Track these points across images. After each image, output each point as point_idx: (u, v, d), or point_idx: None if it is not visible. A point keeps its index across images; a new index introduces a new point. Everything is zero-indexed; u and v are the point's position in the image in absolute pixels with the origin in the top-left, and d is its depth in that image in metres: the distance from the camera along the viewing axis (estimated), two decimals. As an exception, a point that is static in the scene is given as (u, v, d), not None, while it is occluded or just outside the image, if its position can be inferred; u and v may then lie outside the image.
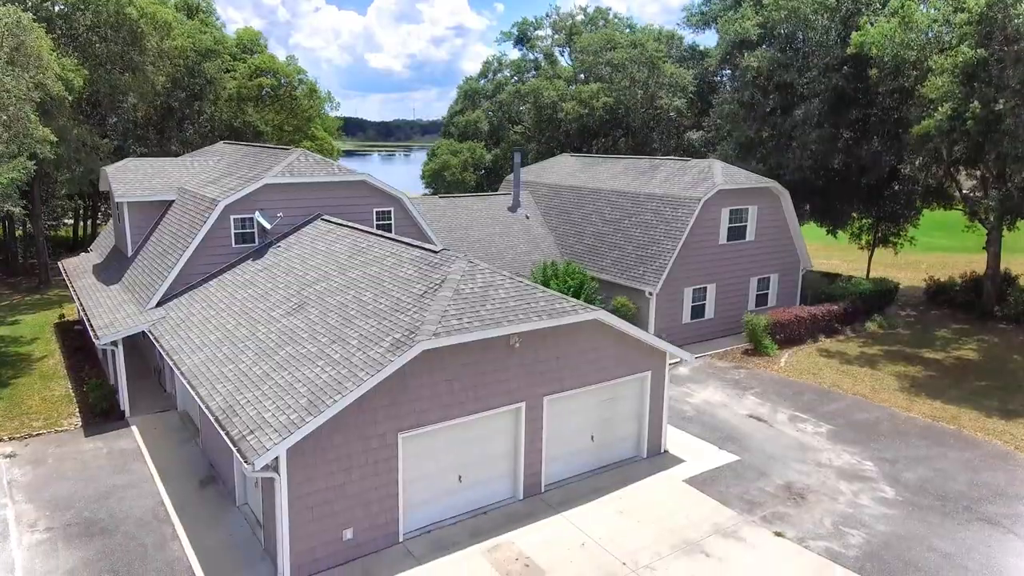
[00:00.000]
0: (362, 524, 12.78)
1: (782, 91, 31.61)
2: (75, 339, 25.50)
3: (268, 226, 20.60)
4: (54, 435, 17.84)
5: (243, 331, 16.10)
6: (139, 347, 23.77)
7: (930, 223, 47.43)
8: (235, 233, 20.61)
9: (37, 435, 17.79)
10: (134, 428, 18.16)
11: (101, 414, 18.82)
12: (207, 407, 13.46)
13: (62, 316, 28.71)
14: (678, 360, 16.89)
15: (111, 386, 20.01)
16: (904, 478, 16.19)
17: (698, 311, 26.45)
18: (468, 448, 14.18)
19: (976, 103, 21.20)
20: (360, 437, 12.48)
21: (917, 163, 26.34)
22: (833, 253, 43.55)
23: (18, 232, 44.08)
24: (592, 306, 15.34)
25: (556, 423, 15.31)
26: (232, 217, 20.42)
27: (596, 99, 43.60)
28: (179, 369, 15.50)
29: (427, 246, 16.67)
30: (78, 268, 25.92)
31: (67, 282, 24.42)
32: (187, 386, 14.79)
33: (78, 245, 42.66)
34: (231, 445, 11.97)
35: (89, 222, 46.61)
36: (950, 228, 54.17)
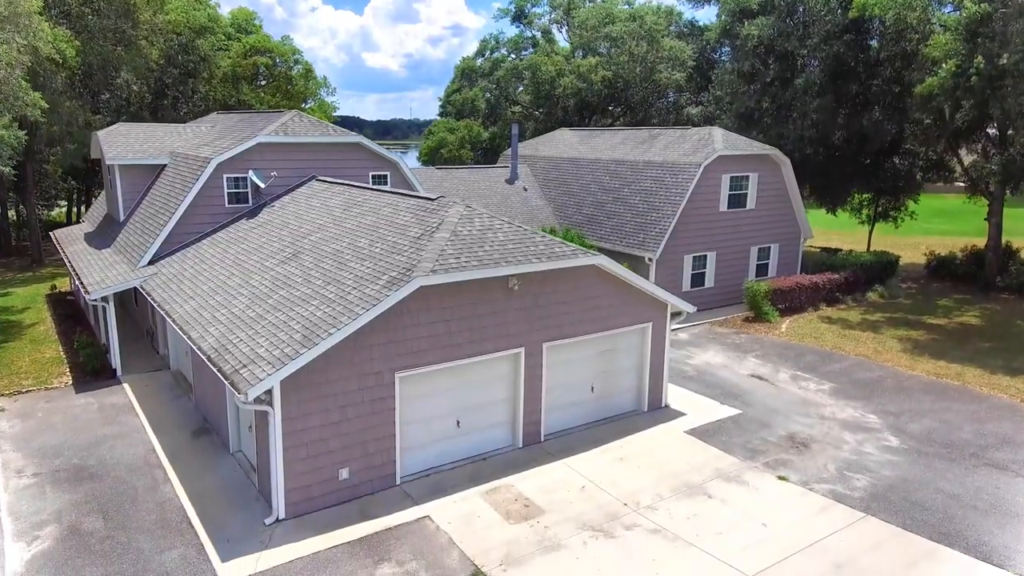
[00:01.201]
0: (358, 464, 12.48)
1: (782, 60, 31.35)
2: (66, 308, 25.16)
3: (262, 185, 20.27)
4: (44, 392, 17.50)
5: (236, 280, 15.78)
6: (131, 314, 23.45)
7: (929, 210, 47.44)
8: (228, 193, 20.27)
9: (26, 392, 17.45)
10: (126, 386, 17.83)
11: (92, 373, 18.48)
12: (199, 348, 13.15)
13: (54, 287, 28.36)
14: (679, 313, 16.61)
15: (102, 345, 19.68)
16: (909, 429, 15.94)
17: (698, 279, 26.16)
18: (466, 393, 13.89)
19: (980, 58, 20.94)
20: (356, 375, 12.18)
21: (919, 129, 26.02)
22: (833, 236, 43.33)
23: (11, 216, 43.72)
24: (592, 251, 15.05)
25: (556, 372, 15.02)
26: (225, 176, 20.08)
27: (595, 73, 43.15)
28: (171, 317, 15.18)
29: (424, 195, 16.38)
30: (69, 236, 25.56)
31: (58, 249, 24.07)
32: (178, 331, 14.47)
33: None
34: (224, 379, 11.68)
35: (83, 207, 46.18)
36: (949, 214, 54.29)
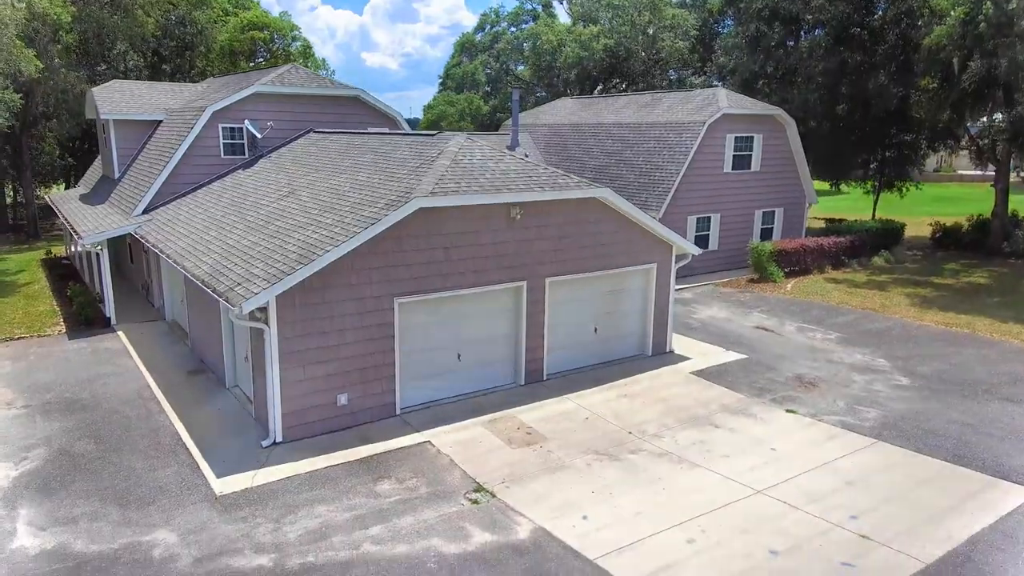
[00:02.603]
0: (357, 391, 12.15)
1: (787, 24, 30.96)
2: (61, 270, 24.84)
3: (258, 135, 19.95)
4: (36, 339, 17.18)
5: (232, 218, 15.46)
6: (126, 274, 23.14)
7: (931, 197, 47.08)
8: (224, 143, 19.96)
9: (18, 339, 17.13)
10: (120, 333, 17.51)
11: (85, 323, 18.14)
12: (193, 275, 12.82)
13: (49, 252, 28.04)
14: (685, 256, 16.28)
15: (96, 295, 19.36)
16: (920, 371, 15.60)
17: (702, 241, 25.78)
18: (468, 324, 13.56)
19: (989, 3, 20.57)
20: (354, 297, 11.84)
21: (926, 95, 25.61)
22: (838, 211, 43.00)
23: (8, 194, 43.37)
24: (596, 184, 14.71)
25: (559, 310, 14.69)
26: (220, 126, 19.76)
27: (596, 41, 42.67)
28: (164, 253, 14.86)
29: (424, 132, 16.05)
30: (65, 198, 25.26)
31: (53, 207, 23.74)
32: (172, 264, 14.15)
33: (69, 202, 41.87)
34: (218, 297, 11.36)
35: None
36: (953, 200, 53.96)
